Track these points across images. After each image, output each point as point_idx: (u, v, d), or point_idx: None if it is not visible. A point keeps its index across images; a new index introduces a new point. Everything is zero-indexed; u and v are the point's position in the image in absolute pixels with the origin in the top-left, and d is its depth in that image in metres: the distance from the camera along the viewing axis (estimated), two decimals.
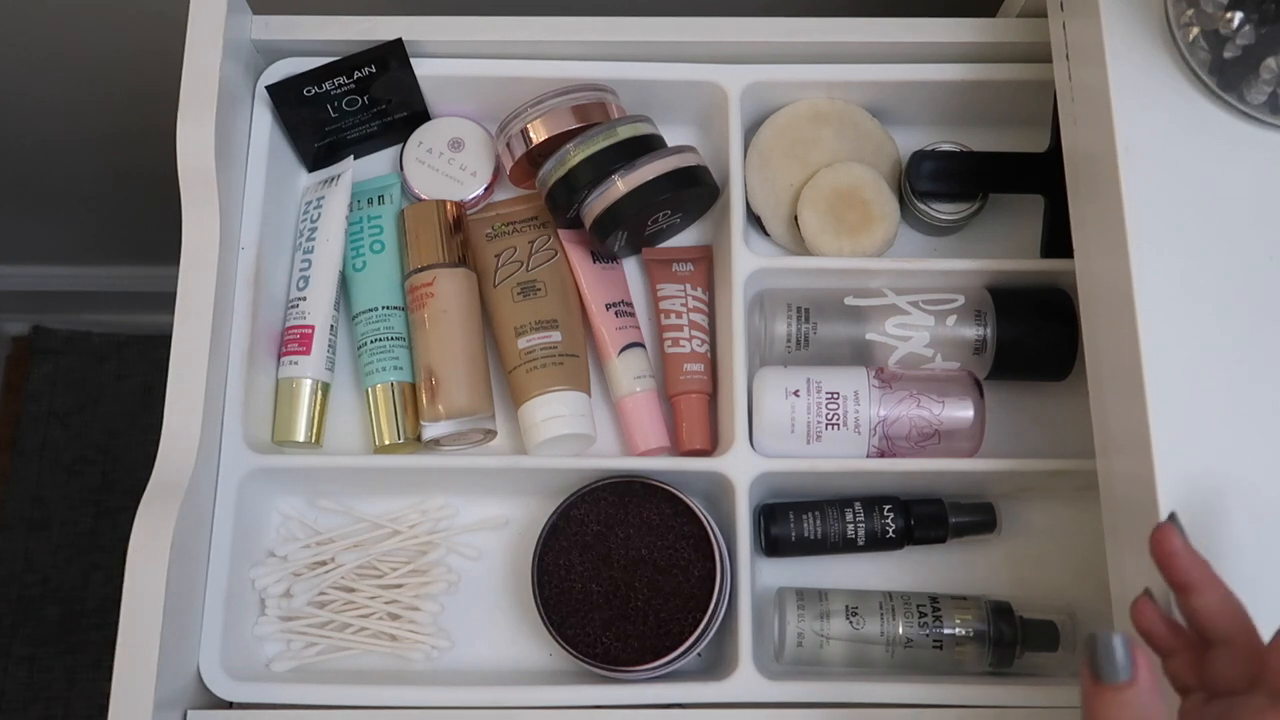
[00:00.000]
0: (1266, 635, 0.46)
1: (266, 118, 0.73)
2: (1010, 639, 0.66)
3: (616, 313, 0.73)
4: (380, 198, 0.75)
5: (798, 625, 0.66)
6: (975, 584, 0.70)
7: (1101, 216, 0.58)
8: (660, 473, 0.68)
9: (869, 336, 0.70)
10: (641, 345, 0.73)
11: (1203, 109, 0.57)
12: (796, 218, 0.73)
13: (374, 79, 0.72)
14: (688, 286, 0.73)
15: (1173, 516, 0.49)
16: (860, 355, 0.71)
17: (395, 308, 0.72)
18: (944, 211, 0.74)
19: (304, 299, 0.71)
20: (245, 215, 0.70)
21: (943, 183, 0.73)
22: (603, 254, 0.74)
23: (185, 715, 0.63)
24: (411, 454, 0.71)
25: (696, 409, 0.71)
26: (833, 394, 0.67)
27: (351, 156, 0.76)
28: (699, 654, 0.66)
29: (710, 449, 0.71)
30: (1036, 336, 0.70)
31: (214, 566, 0.66)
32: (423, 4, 0.75)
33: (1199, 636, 0.47)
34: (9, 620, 1.41)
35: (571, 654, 0.64)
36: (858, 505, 0.69)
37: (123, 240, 1.33)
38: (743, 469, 0.67)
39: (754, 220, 0.75)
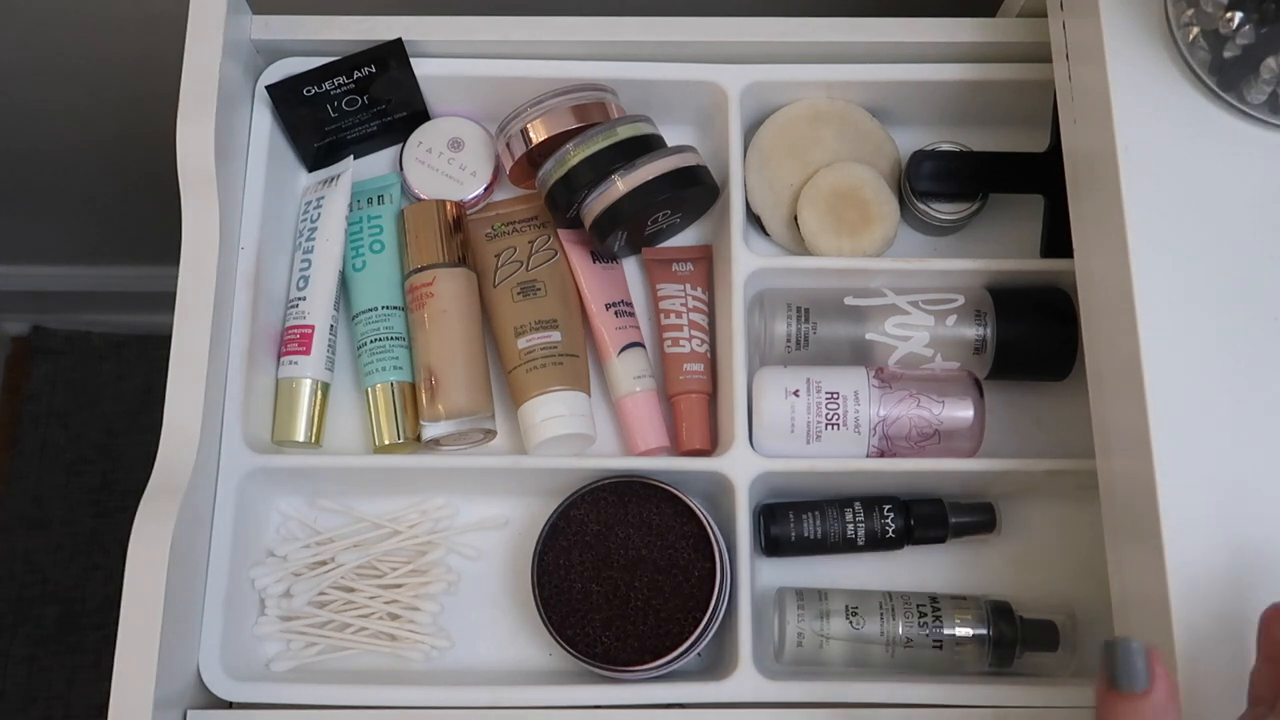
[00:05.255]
0: None
1: (266, 118, 0.73)
2: (1010, 639, 0.66)
3: (616, 313, 0.73)
4: (380, 198, 0.75)
5: (798, 625, 0.66)
6: (975, 584, 0.70)
7: (1101, 216, 0.58)
8: (660, 473, 0.68)
9: (869, 336, 0.70)
10: (641, 345, 0.73)
11: (1203, 109, 0.57)
12: (796, 217, 0.73)
13: (374, 79, 0.72)
14: (687, 286, 0.73)
15: None
16: (860, 355, 0.71)
17: (395, 308, 0.72)
18: (944, 211, 0.74)
19: (304, 299, 0.71)
20: (245, 215, 0.70)
21: (943, 183, 0.73)
22: (603, 254, 0.74)
23: (185, 715, 0.63)
24: (411, 454, 0.71)
25: (696, 409, 0.71)
26: (832, 394, 0.67)
27: (351, 156, 0.76)
28: (699, 654, 0.66)
29: (710, 449, 0.71)
30: (1036, 336, 0.70)
31: (214, 566, 0.66)
32: (423, 4, 0.75)
33: None
34: (9, 620, 1.41)
35: (571, 654, 0.64)
36: (858, 505, 0.69)
37: (123, 240, 1.33)
38: (743, 469, 0.67)
39: (754, 220, 0.75)
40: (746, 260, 0.70)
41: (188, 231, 0.66)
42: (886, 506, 0.69)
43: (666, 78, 0.73)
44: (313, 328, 0.70)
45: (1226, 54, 0.55)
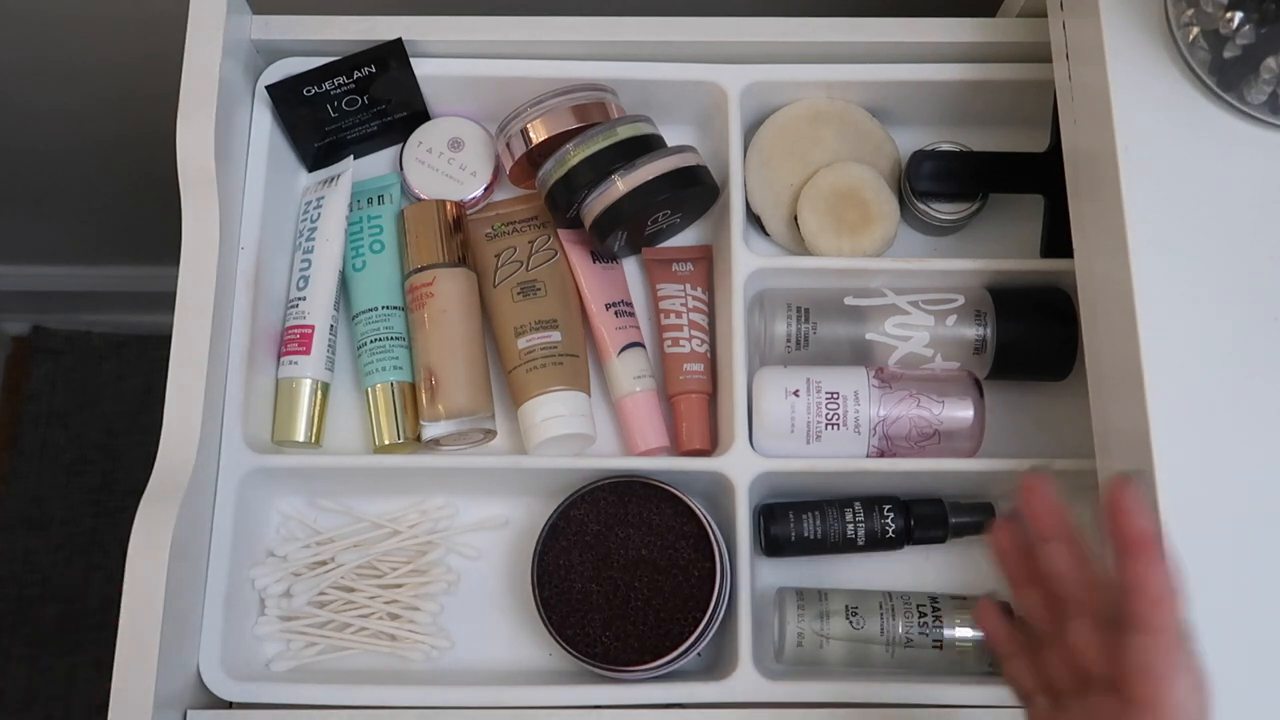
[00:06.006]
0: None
1: (266, 118, 0.73)
2: None
3: (616, 313, 0.73)
4: (380, 198, 0.75)
5: (798, 625, 0.66)
6: (975, 584, 0.70)
7: (1101, 216, 0.58)
8: (660, 473, 0.68)
9: (869, 336, 0.70)
10: (641, 345, 0.73)
11: (1203, 109, 0.57)
12: (796, 217, 0.73)
13: (374, 79, 0.72)
14: (687, 286, 0.73)
15: (1045, 466, 0.47)
16: (860, 355, 0.71)
17: (395, 308, 0.72)
18: (944, 211, 0.74)
19: (304, 299, 0.71)
20: (245, 215, 0.70)
21: (943, 183, 0.73)
22: (603, 254, 0.74)
23: (185, 715, 0.63)
24: (411, 454, 0.71)
25: (696, 409, 0.71)
26: (832, 394, 0.67)
27: (351, 156, 0.76)
28: (699, 654, 0.66)
29: (710, 449, 0.71)
30: (1036, 336, 0.70)
31: (214, 566, 0.66)
32: (423, 4, 0.75)
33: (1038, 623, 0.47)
34: (9, 620, 1.41)
35: (571, 654, 0.64)
36: (858, 505, 0.69)
37: (123, 240, 1.33)
38: (743, 469, 0.67)
39: (754, 220, 0.75)
40: (746, 260, 0.70)
41: (188, 231, 0.66)
42: (886, 506, 0.69)
43: (666, 78, 0.73)
44: (313, 328, 0.70)
45: (1226, 54, 0.55)
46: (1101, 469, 0.58)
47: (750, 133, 0.75)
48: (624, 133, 0.70)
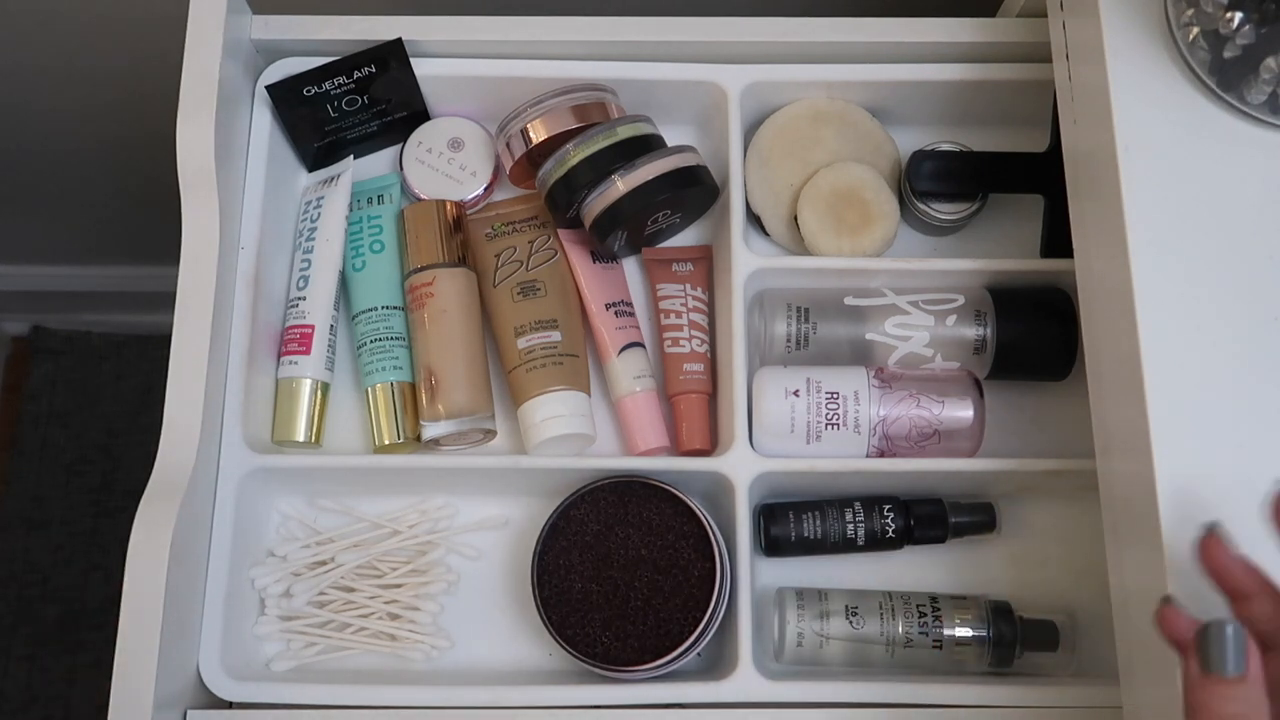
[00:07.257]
0: None
1: (266, 118, 0.73)
2: (1010, 639, 0.66)
3: (616, 313, 0.73)
4: (380, 197, 0.75)
5: (797, 625, 0.66)
6: (975, 584, 0.70)
7: (1101, 216, 0.58)
8: (660, 473, 0.68)
9: (869, 336, 0.70)
10: (641, 345, 0.73)
11: (1203, 109, 0.57)
12: (796, 217, 0.73)
13: (374, 79, 0.72)
14: (687, 286, 0.73)
15: (1214, 526, 0.47)
16: (860, 355, 0.71)
17: (395, 307, 0.72)
18: (944, 211, 0.74)
19: (304, 299, 0.71)
20: (245, 215, 0.70)
21: (943, 183, 0.73)
22: (603, 254, 0.74)
23: (185, 715, 0.63)
24: (411, 454, 0.71)
25: (696, 409, 0.71)
26: (832, 394, 0.67)
27: (351, 156, 0.76)
28: (699, 654, 0.66)
29: (710, 449, 0.71)
30: (1036, 336, 0.70)
31: (214, 566, 0.66)
32: (423, 4, 0.75)
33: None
34: (9, 620, 1.41)
35: (571, 654, 0.64)
36: (857, 505, 0.69)
37: (123, 240, 1.33)
38: (743, 469, 0.67)
39: (754, 220, 0.75)
40: (746, 260, 0.70)
41: (188, 231, 0.66)
42: (886, 506, 0.69)
43: (666, 78, 0.73)
44: (313, 327, 0.70)
45: (1226, 54, 0.55)
46: (1101, 469, 0.58)
47: (750, 133, 0.75)
48: (624, 133, 0.70)
